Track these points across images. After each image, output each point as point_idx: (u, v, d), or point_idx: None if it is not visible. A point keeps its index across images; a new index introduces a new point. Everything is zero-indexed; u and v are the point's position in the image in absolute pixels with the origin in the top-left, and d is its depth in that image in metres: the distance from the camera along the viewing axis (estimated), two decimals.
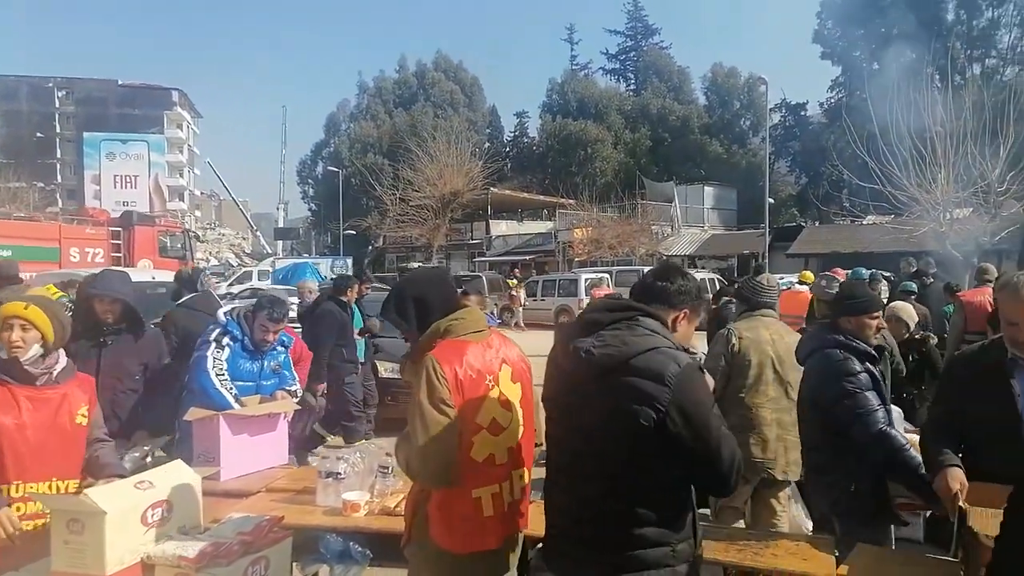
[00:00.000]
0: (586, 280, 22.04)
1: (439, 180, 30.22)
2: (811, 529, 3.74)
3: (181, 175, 68.17)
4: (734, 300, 6.03)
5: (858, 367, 3.10)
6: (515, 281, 26.70)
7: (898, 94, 16.83)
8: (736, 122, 51.09)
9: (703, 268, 27.46)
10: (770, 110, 39.38)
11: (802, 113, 47.90)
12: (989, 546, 2.16)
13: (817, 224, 33.75)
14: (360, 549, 2.87)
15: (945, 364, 2.84)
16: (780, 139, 47.39)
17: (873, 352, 3.22)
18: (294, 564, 2.94)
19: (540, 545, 2.28)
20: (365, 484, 3.19)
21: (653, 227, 32.71)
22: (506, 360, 2.40)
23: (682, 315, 2.15)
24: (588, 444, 2.00)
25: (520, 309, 22.66)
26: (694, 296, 2.18)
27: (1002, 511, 2.16)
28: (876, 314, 3.30)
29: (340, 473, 3.14)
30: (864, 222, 24.69)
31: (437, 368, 2.22)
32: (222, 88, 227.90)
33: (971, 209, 16.91)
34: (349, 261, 36.31)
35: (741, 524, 3.69)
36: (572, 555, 2.05)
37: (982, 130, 15.79)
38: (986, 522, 2.20)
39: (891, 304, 6.71)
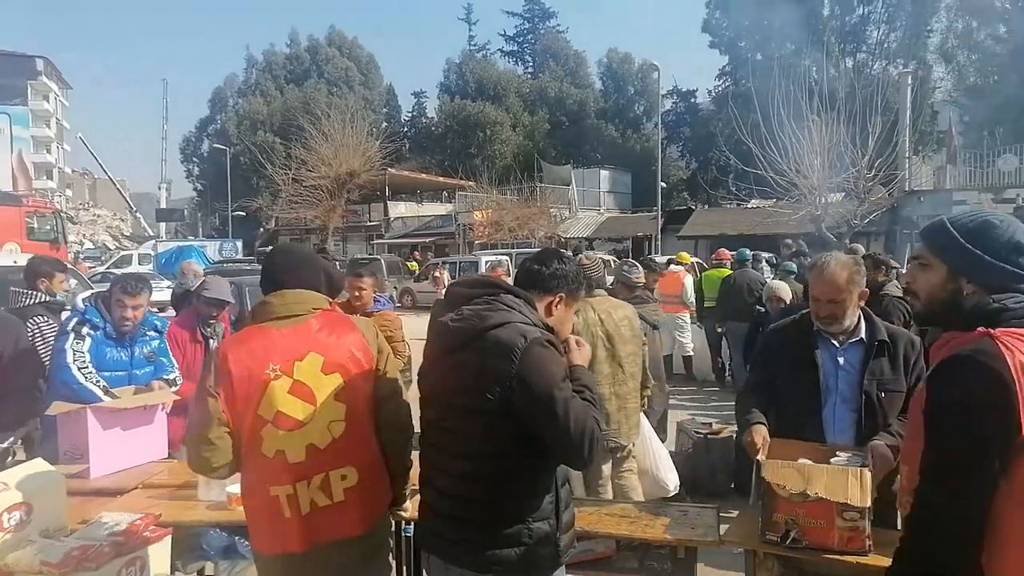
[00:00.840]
0: (486, 262, 22.09)
1: (334, 160, 29.32)
2: (672, 489, 4.08)
3: (48, 151, 62.95)
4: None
5: None
6: (414, 264, 26.45)
7: (779, 84, 17.75)
8: (631, 107, 52.41)
9: (599, 251, 28.13)
10: (662, 96, 40.56)
11: (692, 100, 49.74)
12: (779, 494, 2.35)
13: (706, 207, 35.16)
14: (247, 543, 2.75)
15: (762, 336, 3.07)
16: (672, 125, 49.05)
17: None
18: (178, 563, 2.79)
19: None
20: None
21: (552, 210, 33.12)
22: (318, 348, 2.20)
23: (558, 299, 2.16)
24: (452, 421, 2.02)
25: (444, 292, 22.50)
26: (571, 280, 2.18)
27: (793, 462, 2.40)
28: None
29: None
30: (749, 205, 26.06)
31: (217, 355, 2.16)
32: (93, 58, 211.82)
33: (843, 194, 18.16)
34: (239, 244, 34.84)
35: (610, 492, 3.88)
36: (442, 533, 2.06)
37: (853, 120, 16.92)
38: (777, 473, 2.39)
39: (770, 283, 7.17)
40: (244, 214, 40.31)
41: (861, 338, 2.73)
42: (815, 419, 2.69)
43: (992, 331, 1.55)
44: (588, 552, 2.78)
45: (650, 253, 24.31)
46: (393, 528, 2.67)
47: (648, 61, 47.05)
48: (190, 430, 2.16)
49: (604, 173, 41.97)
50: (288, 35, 59.21)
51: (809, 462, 2.44)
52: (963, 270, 1.67)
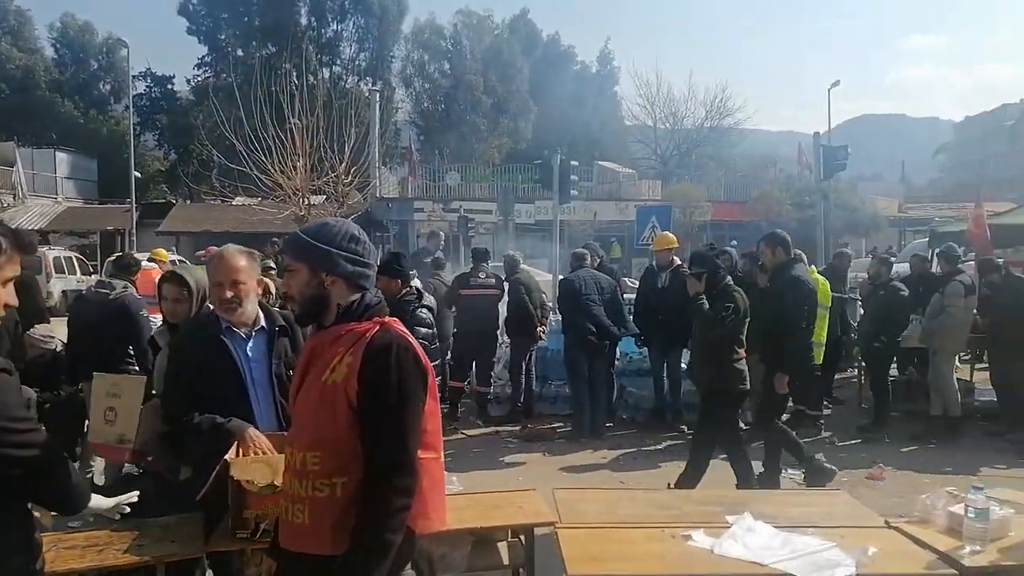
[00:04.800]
0: None
1: None
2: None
3: None
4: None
5: None
6: None
7: (261, 84, 17.91)
8: (94, 84, 46.02)
9: (58, 245, 24.11)
10: (133, 77, 36.81)
11: (169, 87, 46.25)
12: (249, 491, 2.48)
13: (188, 202, 33.52)
14: None
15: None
16: (146, 110, 44.85)
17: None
18: None
19: None
20: None
21: None
22: None
23: None
24: None
25: None
26: None
27: (261, 456, 2.58)
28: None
29: None
30: (234, 203, 25.63)
31: None
32: None
33: (325, 197, 19.34)
34: None
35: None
36: None
37: (331, 128, 18.15)
38: (245, 469, 2.49)
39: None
40: None
41: (263, 327, 2.90)
42: (244, 412, 2.75)
43: (386, 320, 1.94)
44: None
45: (124, 249, 21.94)
46: None
47: (115, 35, 42.18)
48: None
49: (61, 156, 36.08)
50: None
51: (277, 455, 2.49)
52: (318, 265, 1.97)
